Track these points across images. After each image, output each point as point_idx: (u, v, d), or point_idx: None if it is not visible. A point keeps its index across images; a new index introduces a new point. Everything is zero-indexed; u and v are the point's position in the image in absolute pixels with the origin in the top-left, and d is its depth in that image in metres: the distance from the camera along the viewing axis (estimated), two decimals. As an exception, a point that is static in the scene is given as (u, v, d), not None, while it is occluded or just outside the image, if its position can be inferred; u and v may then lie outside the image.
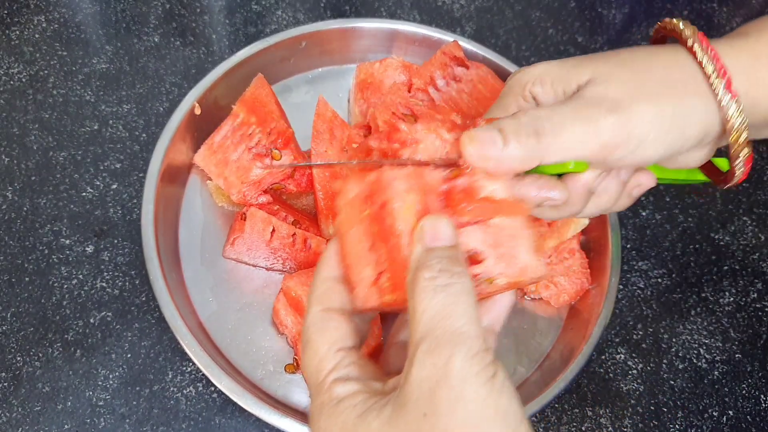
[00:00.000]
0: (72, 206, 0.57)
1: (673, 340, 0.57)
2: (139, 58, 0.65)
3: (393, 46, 0.65)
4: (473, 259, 0.34)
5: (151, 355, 0.51)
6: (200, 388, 0.51)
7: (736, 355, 0.56)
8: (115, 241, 0.55)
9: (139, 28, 0.67)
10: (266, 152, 0.54)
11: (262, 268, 0.54)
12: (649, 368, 0.55)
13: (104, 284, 0.54)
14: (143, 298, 0.53)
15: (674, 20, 0.41)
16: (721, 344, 0.57)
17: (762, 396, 0.55)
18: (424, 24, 0.67)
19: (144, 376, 0.50)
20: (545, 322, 0.55)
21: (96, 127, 0.61)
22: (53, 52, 0.65)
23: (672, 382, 0.55)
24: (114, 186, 0.58)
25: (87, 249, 0.55)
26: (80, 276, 0.54)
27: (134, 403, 0.49)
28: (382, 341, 0.50)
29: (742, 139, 0.38)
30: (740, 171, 0.40)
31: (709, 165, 0.45)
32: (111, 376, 0.50)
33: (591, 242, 0.57)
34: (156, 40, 0.67)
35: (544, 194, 0.38)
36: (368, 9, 0.72)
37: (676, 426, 0.53)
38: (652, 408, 0.54)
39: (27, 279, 0.53)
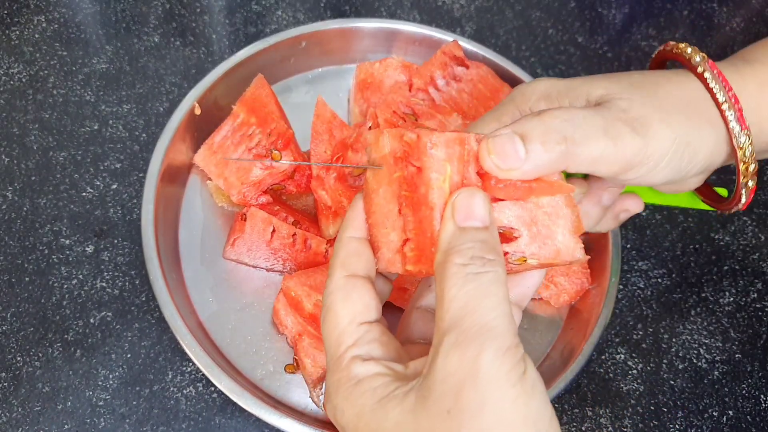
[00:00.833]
0: (72, 206, 0.57)
1: (673, 340, 0.57)
2: (139, 58, 0.65)
3: (393, 46, 0.65)
4: (506, 237, 0.32)
5: (151, 355, 0.51)
6: (200, 388, 0.51)
7: (736, 355, 0.56)
8: (115, 241, 0.55)
9: (139, 28, 0.67)
10: (266, 153, 0.54)
11: (263, 269, 0.54)
12: (649, 368, 0.55)
13: (104, 284, 0.54)
14: (143, 298, 0.53)
15: (681, 45, 0.40)
16: (721, 344, 0.57)
17: (762, 396, 0.55)
18: (424, 24, 0.67)
19: (144, 376, 0.50)
20: (545, 322, 0.55)
21: (96, 127, 0.61)
22: (53, 52, 0.65)
23: (672, 382, 0.55)
24: (114, 186, 0.58)
25: (87, 249, 0.55)
26: (80, 276, 0.54)
27: (134, 403, 0.49)
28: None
29: (750, 169, 0.38)
30: (743, 200, 0.40)
31: (707, 190, 0.45)
32: (111, 376, 0.50)
33: (591, 242, 0.57)
34: (156, 40, 0.67)
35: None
36: (368, 9, 0.72)
37: (676, 426, 0.53)
38: (652, 408, 0.54)
39: (27, 279, 0.53)
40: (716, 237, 0.62)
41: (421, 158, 0.31)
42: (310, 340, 0.49)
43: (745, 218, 0.63)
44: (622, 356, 0.55)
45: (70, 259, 0.54)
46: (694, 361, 0.56)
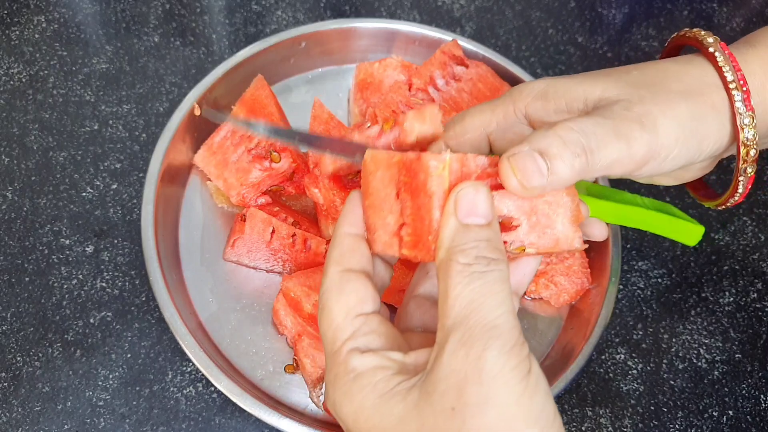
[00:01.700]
0: (72, 206, 0.57)
1: (673, 340, 0.57)
2: (139, 58, 0.65)
3: (393, 46, 0.65)
4: (505, 226, 0.32)
5: (151, 355, 0.51)
6: (200, 388, 0.51)
7: (736, 355, 0.56)
8: (115, 241, 0.55)
9: (139, 28, 0.67)
10: (265, 154, 0.54)
11: (263, 270, 0.54)
12: (649, 368, 0.55)
13: (104, 284, 0.54)
14: (143, 298, 0.53)
15: (695, 30, 0.40)
16: (721, 344, 0.57)
17: (762, 396, 0.55)
18: (424, 24, 0.67)
19: (144, 376, 0.51)
20: (545, 322, 0.55)
21: (96, 127, 0.61)
22: (53, 52, 0.65)
23: (672, 382, 0.55)
24: (114, 186, 0.58)
25: (87, 249, 0.55)
26: (80, 276, 0.54)
27: (134, 403, 0.49)
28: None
29: (751, 154, 0.37)
30: (741, 189, 0.40)
31: (700, 186, 0.45)
32: (111, 376, 0.50)
33: (591, 242, 0.57)
34: (156, 40, 0.67)
35: None
36: (368, 9, 0.72)
37: (676, 426, 0.53)
38: (652, 408, 0.54)
39: (27, 279, 0.53)
40: (716, 237, 0.62)
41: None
42: (309, 340, 0.49)
43: (745, 218, 0.63)
44: (622, 356, 0.55)
45: (70, 259, 0.54)
46: (694, 361, 0.56)
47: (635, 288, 0.59)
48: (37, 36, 0.66)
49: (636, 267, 0.60)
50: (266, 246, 0.53)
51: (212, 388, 0.51)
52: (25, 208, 0.56)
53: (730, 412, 0.54)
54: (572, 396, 0.53)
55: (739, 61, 0.37)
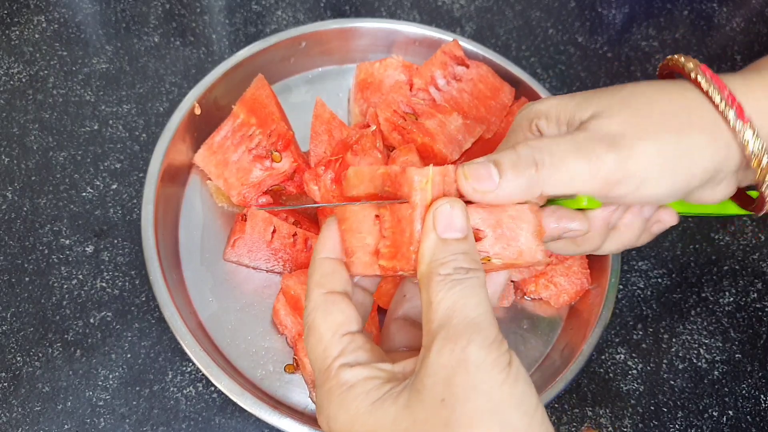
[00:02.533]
0: (72, 206, 0.57)
1: (673, 340, 0.57)
2: (139, 58, 0.65)
3: (393, 46, 0.65)
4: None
5: (151, 355, 0.51)
6: (200, 388, 0.51)
7: (736, 355, 0.56)
8: (115, 241, 0.55)
9: (139, 28, 0.67)
10: (266, 154, 0.54)
11: (263, 270, 0.54)
12: (649, 368, 0.55)
13: (104, 284, 0.54)
14: (143, 298, 0.53)
15: (675, 56, 0.40)
16: (721, 344, 0.57)
17: (762, 396, 0.55)
18: (424, 24, 0.67)
19: (144, 376, 0.50)
20: (545, 322, 0.55)
21: (96, 127, 0.61)
22: (53, 52, 0.65)
23: (672, 382, 0.55)
24: (114, 186, 0.58)
25: (87, 249, 0.55)
26: (80, 276, 0.54)
27: (134, 403, 0.49)
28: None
29: (764, 163, 0.37)
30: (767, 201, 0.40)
31: (742, 195, 0.45)
32: (111, 376, 0.50)
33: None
34: (156, 40, 0.67)
35: (563, 225, 0.38)
36: (368, 9, 0.72)
37: (676, 426, 0.53)
38: (652, 408, 0.54)
39: (27, 279, 0.53)
40: (716, 237, 0.62)
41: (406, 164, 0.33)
42: (310, 340, 0.49)
43: (745, 218, 0.63)
44: (622, 356, 0.55)
45: (70, 259, 0.54)
46: (694, 361, 0.56)
47: (635, 288, 0.59)
48: (37, 36, 0.66)
49: (636, 267, 0.60)
50: (267, 246, 0.53)
51: (212, 388, 0.51)
52: (25, 208, 0.56)
53: (730, 412, 0.54)
54: (572, 396, 0.53)
55: (740, 85, 0.37)
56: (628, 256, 0.60)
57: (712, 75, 0.37)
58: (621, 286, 0.58)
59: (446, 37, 0.63)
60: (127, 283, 0.54)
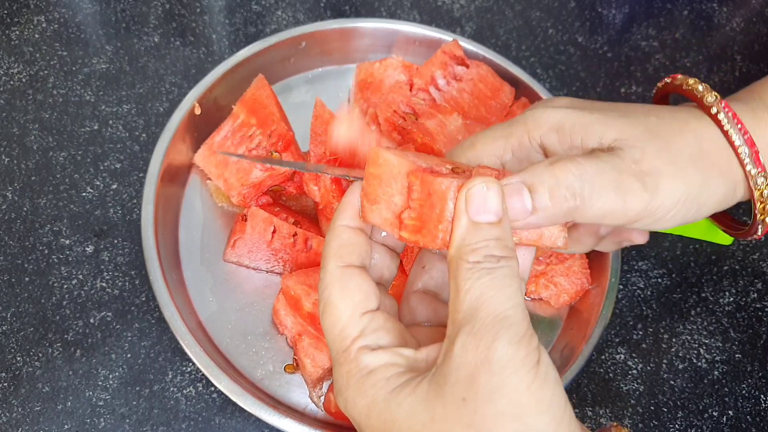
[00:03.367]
0: (72, 206, 0.57)
1: (673, 340, 0.57)
2: (139, 58, 0.65)
3: (393, 46, 0.65)
4: None
5: (151, 355, 0.51)
6: (200, 388, 0.51)
7: (736, 355, 0.56)
8: (115, 241, 0.55)
9: (139, 28, 0.67)
10: (266, 154, 0.54)
11: (263, 271, 0.54)
12: (649, 368, 0.55)
13: (104, 284, 0.54)
14: (143, 298, 0.53)
15: (690, 80, 0.40)
16: (721, 344, 0.57)
17: (762, 396, 0.55)
18: (424, 24, 0.67)
19: (144, 376, 0.50)
20: (545, 322, 0.55)
21: (96, 127, 0.61)
22: (53, 52, 0.65)
23: (672, 382, 0.55)
24: (114, 186, 0.58)
25: (87, 249, 0.55)
26: (80, 276, 0.54)
27: (134, 403, 0.49)
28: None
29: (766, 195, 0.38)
30: (759, 232, 0.41)
31: (724, 218, 0.46)
32: (111, 376, 0.50)
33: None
34: (156, 40, 0.67)
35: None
36: (368, 9, 0.72)
37: (676, 426, 0.53)
38: (652, 408, 0.54)
39: (27, 279, 0.53)
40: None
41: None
42: (309, 340, 0.49)
43: (745, 218, 0.63)
44: (622, 356, 0.55)
45: (70, 259, 0.54)
46: (694, 361, 0.56)
47: (635, 288, 0.59)
48: (37, 36, 0.66)
49: (636, 267, 0.60)
50: (267, 246, 0.53)
51: (212, 388, 0.51)
52: (25, 208, 0.56)
53: (730, 412, 0.54)
54: (572, 396, 0.53)
55: (750, 121, 0.38)
56: (628, 256, 0.60)
57: (734, 114, 0.37)
58: (621, 286, 0.58)
59: (446, 37, 0.63)
60: (127, 283, 0.54)
